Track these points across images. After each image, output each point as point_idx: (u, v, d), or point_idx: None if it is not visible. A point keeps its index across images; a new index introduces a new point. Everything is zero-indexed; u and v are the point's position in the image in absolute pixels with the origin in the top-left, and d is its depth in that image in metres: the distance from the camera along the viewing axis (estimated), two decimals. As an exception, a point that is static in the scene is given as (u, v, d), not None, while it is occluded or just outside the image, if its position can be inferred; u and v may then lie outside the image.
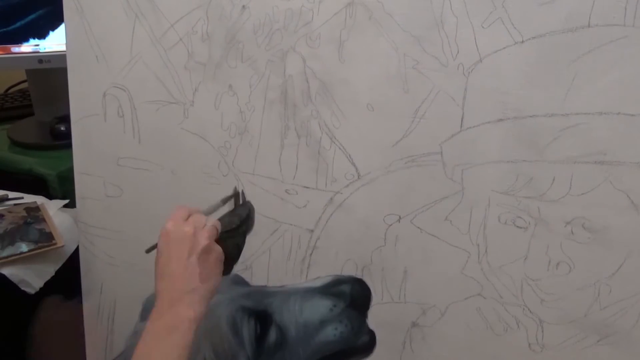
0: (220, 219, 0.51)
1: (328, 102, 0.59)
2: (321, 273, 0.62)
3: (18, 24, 0.92)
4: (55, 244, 0.72)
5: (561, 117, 0.49)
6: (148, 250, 0.50)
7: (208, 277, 0.46)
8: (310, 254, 0.63)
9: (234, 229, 0.52)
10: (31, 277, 0.72)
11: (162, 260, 0.46)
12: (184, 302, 0.43)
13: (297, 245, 0.63)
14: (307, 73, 0.59)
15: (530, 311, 0.54)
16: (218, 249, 0.48)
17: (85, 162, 0.75)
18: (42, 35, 0.95)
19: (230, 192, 0.57)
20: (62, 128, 0.92)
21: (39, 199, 0.81)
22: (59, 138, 0.92)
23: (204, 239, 0.47)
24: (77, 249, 0.78)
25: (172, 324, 0.42)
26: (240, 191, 0.58)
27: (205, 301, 0.45)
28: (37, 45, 0.94)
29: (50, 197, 0.84)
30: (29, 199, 0.82)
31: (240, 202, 0.57)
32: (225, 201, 0.56)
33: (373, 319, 0.59)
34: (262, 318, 0.51)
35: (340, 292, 0.55)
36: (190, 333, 0.42)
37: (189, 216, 0.49)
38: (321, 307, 0.53)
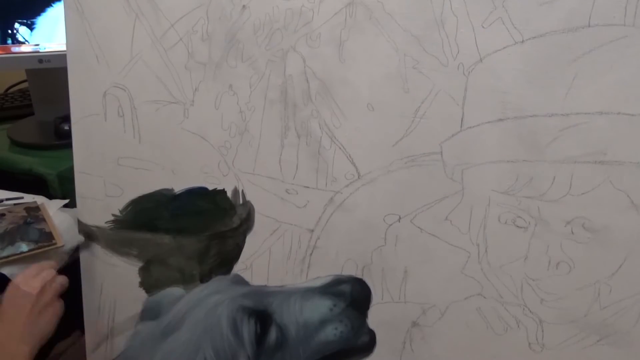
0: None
1: (328, 102, 0.59)
2: (321, 273, 0.62)
3: (18, 24, 0.93)
4: (55, 243, 0.72)
5: (561, 117, 0.49)
6: None
7: (41, 332, 0.56)
8: (310, 254, 0.63)
9: (234, 229, 0.52)
10: (32, 277, 0.72)
11: (10, 313, 0.55)
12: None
13: (297, 245, 0.63)
14: (307, 73, 0.59)
15: (530, 311, 0.54)
16: (59, 304, 0.59)
17: (86, 161, 0.75)
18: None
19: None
20: (66, 127, 0.92)
21: (39, 199, 0.81)
22: (62, 137, 0.92)
23: (49, 294, 0.57)
24: (77, 249, 0.78)
25: None
26: (240, 191, 0.58)
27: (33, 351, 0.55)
28: (37, 45, 0.94)
29: (50, 197, 0.84)
30: (29, 199, 0.81)
31: (240, 202, 0.57)
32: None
33: (373, 319, 0.59)
34: (262, 318, 0.51)
35: (340, 291, 0.55)
36: None
37: (39, 272, 0.58)
38: (321, 306, 0.53)
